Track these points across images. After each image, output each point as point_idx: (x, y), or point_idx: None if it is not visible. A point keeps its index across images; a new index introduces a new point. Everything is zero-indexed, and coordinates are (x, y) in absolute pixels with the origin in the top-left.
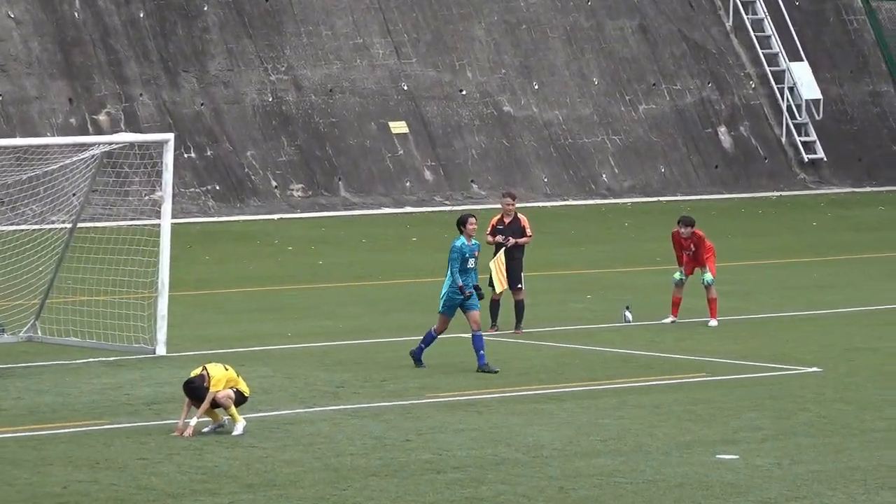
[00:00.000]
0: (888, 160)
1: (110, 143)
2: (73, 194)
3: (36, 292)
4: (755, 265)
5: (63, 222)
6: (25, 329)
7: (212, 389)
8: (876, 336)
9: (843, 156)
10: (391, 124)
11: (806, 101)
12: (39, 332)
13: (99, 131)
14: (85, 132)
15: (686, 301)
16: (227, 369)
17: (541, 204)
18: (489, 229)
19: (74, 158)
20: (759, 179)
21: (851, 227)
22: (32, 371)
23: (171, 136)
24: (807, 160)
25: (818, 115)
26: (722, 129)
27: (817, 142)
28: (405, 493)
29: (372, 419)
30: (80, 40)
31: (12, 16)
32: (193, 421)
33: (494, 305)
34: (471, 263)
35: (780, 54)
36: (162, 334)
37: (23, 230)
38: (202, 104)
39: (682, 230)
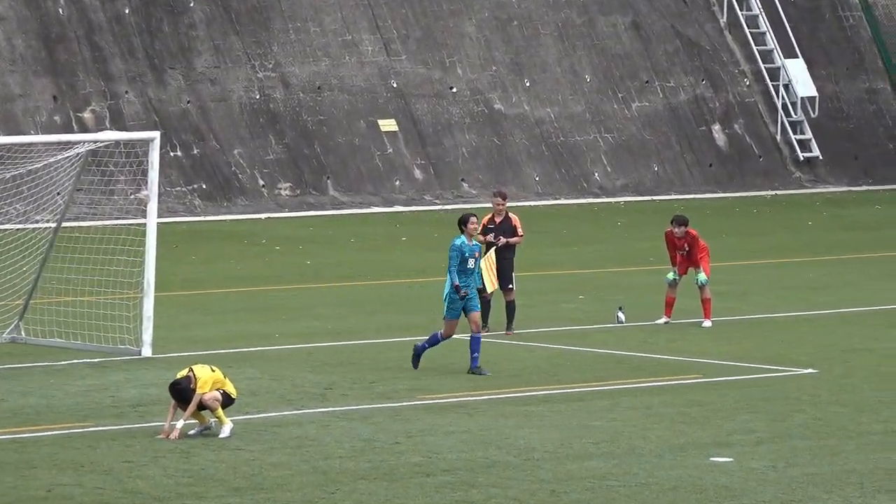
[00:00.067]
0: (884, 158)
1: (95, 142)
2: (58, 193)
3: (20, 293)
4: (750, 265)
5: (47, 222)
6: (9, 330)
7: (198, 391)
8: (872, 337)
9: (839, 154)
10: (380, 122)
11: (801, 98)
12: (23, 333)
13: (84, 129)
14: (69, 130)
15: (680, 301)
16: (213, 371)
17: (532, 203)
18: (480, 228)
19: (59, 157)
20: (754, 178)
21: (847, 226)
22: (16, 373)
23: (156, 134)
24: (802, 158)
25: (814, 113)
26: (716, 127)
27: (813, 140)
28: (394, 497)
29: (361, 421)
30: (64, 37)
31: None
32: (180, 423)
33: (485, 305)
34: (471, 264)
35: (774, 51)
36: (148, 335)
37: (6, 230)
38: (188, 102)
39: (676, 230)
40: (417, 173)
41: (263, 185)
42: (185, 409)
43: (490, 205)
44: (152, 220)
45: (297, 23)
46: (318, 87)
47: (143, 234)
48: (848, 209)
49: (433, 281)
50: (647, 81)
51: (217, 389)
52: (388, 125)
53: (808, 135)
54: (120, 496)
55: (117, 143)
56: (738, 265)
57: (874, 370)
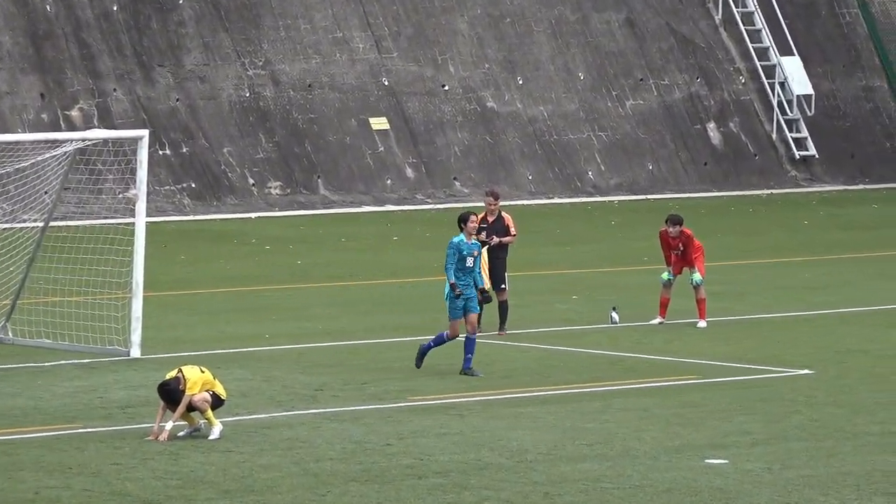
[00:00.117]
0: (881, 157)
1: (83, 140)
2: (45, 192)
3: (7, 293)
4: (745, 265)
5: (35, 221)
6: None
7: (188, 392)
8: (869, 338)
9: (836, 152)
10: (372, 120)
11: (797, 96)
12: (10, 333)
13: (71, 127)
14: (57, 128)
15: (674, 302)
16: (203, 372)
17: (525, 202)
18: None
19: (46, 155)
20: (750, 177)
21: (844, 225)
22: (3, 373)
23: (145, 132)
24: (798, 157)
25: (810, 111)
26: (711, 126)
27: (809, 138)
28: (386, 499)
29: (352, 423)
30: (51, 34)
31: None
32: (169, 425)
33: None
34: (469, 262)
35: (770, 48)
36: (136, 336)
37: None
38: (177, 100)
39: (671, 229)
40: (409, 172)
41: (253, 184)
42: (174, 411)
43: (482, 204)
44: (141, 220)
45: (287, 20)
46: (309, 85)
47: (132, 233)
48: (844, 208)
49: (425, 281)
50: (641, 79)
51: (206, 391)
52: (379, 123)
53: (804, 133)
54: (108, 499)
55: (105, 141)
56: (733, 265)
57: (871, 371)
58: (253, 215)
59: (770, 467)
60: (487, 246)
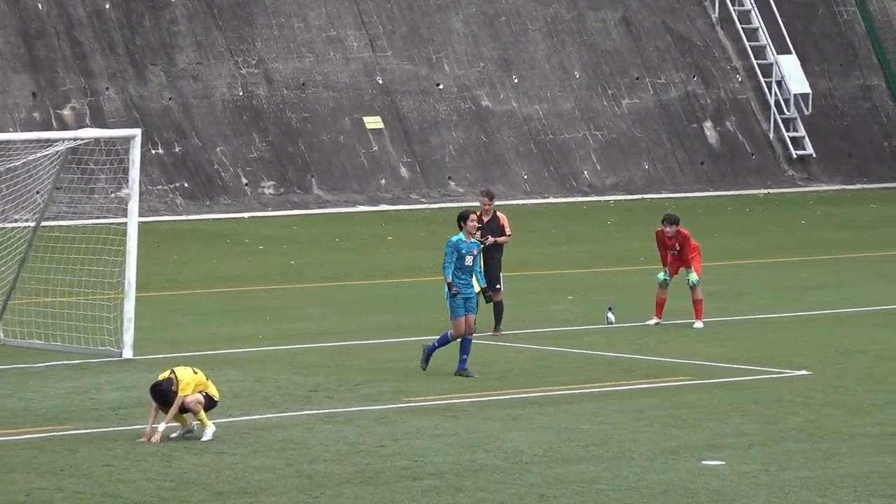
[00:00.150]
0: (879, 156)
1: (75, 139)
2: (37, 192)
3: None
4: (742, 265)
5: (26, 221)
6: None
7: (180, 393)
8: (867, 338)
9: (833, 152)
10: (366, 119)
11: (794, 95)
12: (1, 334)
13: (63, 126)
14: (49, 127)
15: (671, 302)
16: (196, 373)
17: (520, 202)
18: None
19: (38, 154)
20: (746, 176)
21: (841, 225)
22: None
23: (138, 131)
24: (795, 156)
25: (807, 110)
26: (707, 125)
27: (806, 137)
28: (380, 501)
29: (346, 424)
30: (43, 32)
31: None
32: (161, 426)
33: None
34: (468, 261)
35: (767, 47)
36: (129, 337)
37: None
38: (170, 98)
39: (667, 229)
40: (403, 171)
41: (246, 184)
42: (166, 412)
43: (477, 204)
44: (133, 220)
45: (280, 18)
46: (303, 84)
47: (124, 233)
48: (842, 208)
49: (420, 281)
50: (637, 78)
51: (199, 392)
52: (373, 122)
53: (802, 132)
54: (100, 500)
55: (98, 140)
56: (730, 265)
57: (868, 372)
58: (246, 215)
59: (767, 469)
60: (483, 246)
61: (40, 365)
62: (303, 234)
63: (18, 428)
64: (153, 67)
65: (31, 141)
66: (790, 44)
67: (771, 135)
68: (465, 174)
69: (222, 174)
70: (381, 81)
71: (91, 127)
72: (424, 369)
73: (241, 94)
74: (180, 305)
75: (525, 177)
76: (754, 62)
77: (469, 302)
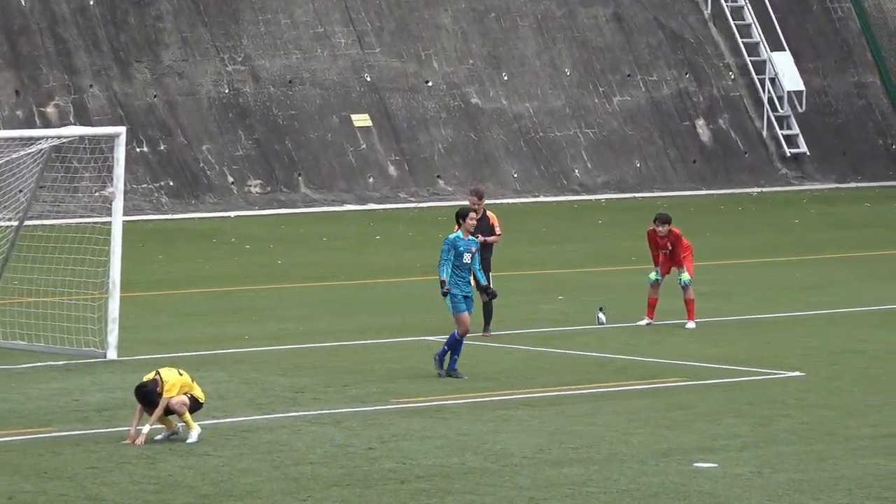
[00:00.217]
0: (874, 154)
1: (59, 137)
2: (20, 190)
3: None
4: (735, 264)
5: (9, 220)
6: None
7: (165, 395)
8: (861, 338)
9: (827, 150)
10: (353, 117)
11: (788, 92)
12: None
13: (47, 124)
14: (32, 125)
15: (662, 302)
16: (181, 374)
17: (510, 200)
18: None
19: (21, 153)
20: (739, 175)
21: (835, 224)
22: None
23: (122, 129)
24: (789, 154)
25: (801, 108)
26: (700, 122)
27: (800, 135)
28: None
29: (333, 426)
30: (26, 29)
31: None
32: (146, 428)
33: None
34: (466, 259)
35: (760, 44)
36: (113, 337)
37: None
38: (155, 96)
39: (659, 228)
40: (392, 170)
41: (233, 182)
42: (151, 414)
43: (467, 202)
44: (118, 219)
45: (267, 14)
46: (290, 81)
47: (109, 232)
48: (836, 207)
49: (408, 281)
50: (628, 75)
51: (185, 393)
52: (361, 120)
53: (795, 130)
54: (84, 503)
55: (82, 138)
56: (722, 264)
57: (863, 373)
58: (232, 214)
59: (760, 471)
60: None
61: (23, 366)
62: (290, 234)
63: (1, 430)
64: (138, 64)
65: (13, 139)
66: (784, 40)
67: (764, 132)
68: (455, 173)
69: (208, 172)
70: (369, 79)
71: (75, 125)
72: (441, 375)
73: (227, 91)
74: (165, 305)
75: (515, 175)
76: (747, 59)
77: (468, 300)
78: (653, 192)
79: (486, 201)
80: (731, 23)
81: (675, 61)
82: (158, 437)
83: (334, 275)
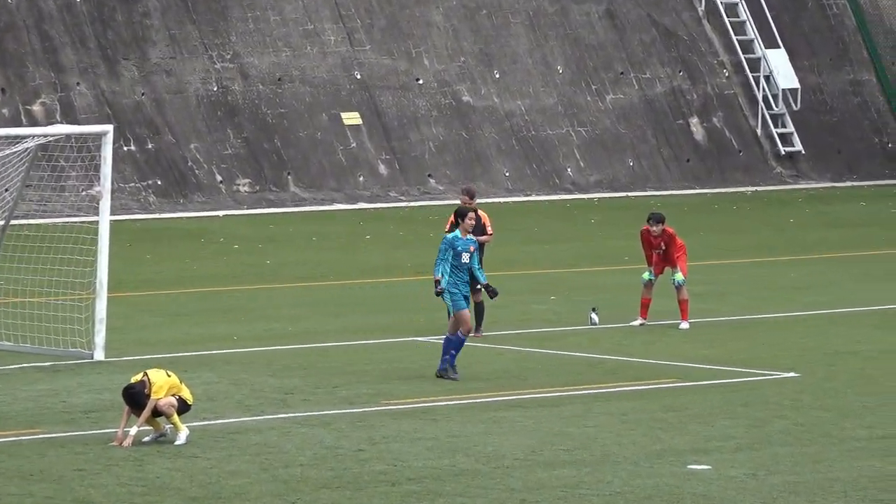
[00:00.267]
0: (869, 153)
1: (45, 135)
2: (6, 189)
3: None
4: (729, 264)
5: None
6: None
7: (153, 396)
8: (857, 339)
9: (822, 148)
10: (343, 115)
11: (783, 90)
12: None
13: (33, 122)
14: (18, 123)
15: (656, 302)
16: (169, 375)
17: (502, 199)
18: (447, 226)
19: (7, 151)
20: (734, 173)
21: (831, 223)
22: None
23: (109, 127)
24: (784, 153)
25: (795, 106)
26: (694, 121)
27: (795, 133)
28: None
29: (323, 428)
30: (12, 26)
31: None
32: (133, 430)
33: None
34: (465, 258)
35: (755, 41)
36: (100, 338)
37: None
38: (143, 94)
39: (653, 228)
40: (382, 169)
41: (221, 181)
42: (139, 416)
43: (458, 202)
44: (105, 218)
45: (256, 11)
46: (279, 79)
47: (96, 232)
48: (831, 206)
49: (399, 281)
50: (621, 73)
51: (173, 395)
52: (351, 118)
53: (790, 128)
54: None
55: (68, 136)
56: (716, 264)
57: (859, 373)
58: (221, 213)
59: (754, 473)
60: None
61: (10, 367)
62: (279, 233)
63: None
64: (125, 62)
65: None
66: (778, 37)
67: (759, 131)
68: (446, 171)
69: (196, 171)
70: (359, 76)
71: (62, 123)
72: (457, 378)
73: (215, 89)
74: (153, 306)
75: (507, 174)
76: (742, 56)
77: (465, 300)
78: (646, 191)
79: (478, 200)
80: (726, 20)
81: (668, 59)
82: (146, 438)
83: (324, 275)
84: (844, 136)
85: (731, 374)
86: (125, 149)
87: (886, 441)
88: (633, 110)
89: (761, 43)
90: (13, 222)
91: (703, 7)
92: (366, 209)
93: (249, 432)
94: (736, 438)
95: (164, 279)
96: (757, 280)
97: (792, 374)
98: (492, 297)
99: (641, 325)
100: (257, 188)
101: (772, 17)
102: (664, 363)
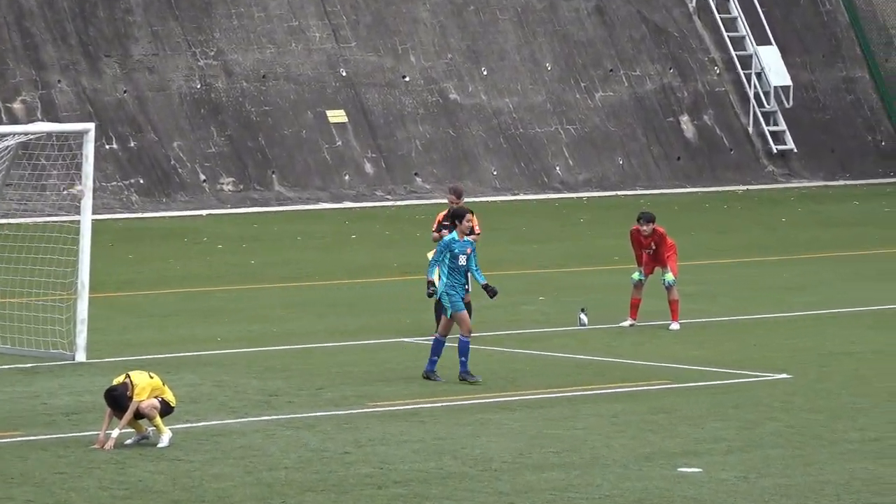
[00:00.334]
0: (863, 151)
1: (26, 133)
2: None
3: None
4: (720, 264)
5: None
6: None
7: (135, 398)
8: (850, 340)
9: (815, 147)
10: (329, 113)
11: (774, 87)
12: None
13: (14, 120)
14: None
15: (646, 303)
16: (151, 377)
17: (490, 198)
18: (434, 225)
19: None
20: (725, 172)
21: (823, 222)
22: None
23: (91, 125)
24: (775, 151)
25: (788, 103)
26: (684, 118)
27: (787, 132)
28: None
29: (307, 430)
30: None
31: None
32: (115, 432)
33: (438, 306)
34: (462, 261)
35: (746, 38)
36: (82, 339)
37: None
38: (125, 91)
39: (643, 227)
40: (368, 167)
41: (204, 180)
42: (121, 418)
43: (445, 201)
44: (87, 217)
45: (240, 8)
46: (263, 76)
47: (77, 231)
48: (824, 205)
49: (385, 281)
50: (611, 70)
51: (155, 397)
52: (336, 116)
53: (782, 126)
54: None
55: (49, 135)
56: (707, 264)
57: (851, 375)
58: (204, 212)
59: (746, 476)
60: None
61: None
62: (263, 233)
63: None
64: (107, 59)
65: None
66: (770, 34)
67: (750, 129)
68: (433, 170)
69: (179, 170)
70: (344, 73)
71: (42, 121)
72: (480, 381)
73: (198, 86)
74: (135, 307)
75: (495, 173)
76: (733, 53)
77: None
78: (636, 190)
79: (465, 200)
80: (717, 16)
81: (658, 56)
82: (128, 441)
83: (309, 275)
84: (837, 134)
85: (722, 376)
86: (107, 147)
87: (879, 443)
88: (622, 108)
89: (753, 39)
90: None
91: (693, 3)
92: (351, 208)
93: (233, 435)
94: (727, 441)
95: (147, 279)
96: (748, 280)
97: (784, 376)
98: (491, 297)
99: (631, 325)
100: (241, 187)
101: (763, 14)
102: (654, 364)
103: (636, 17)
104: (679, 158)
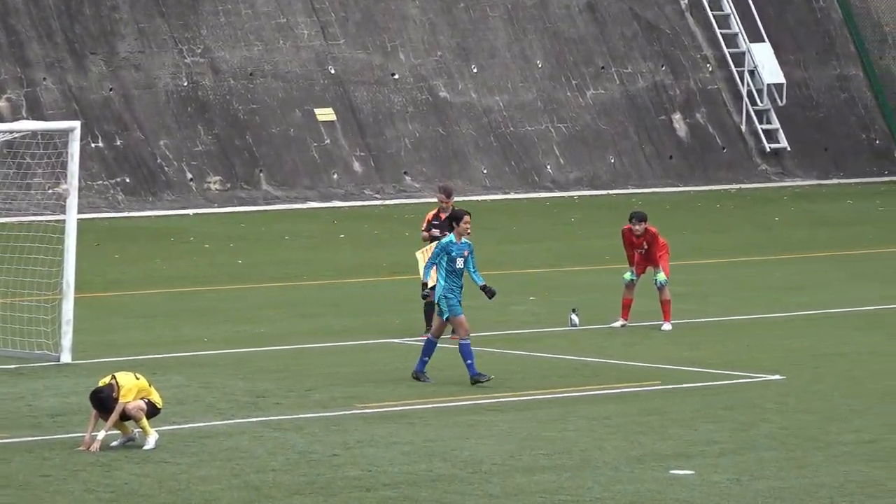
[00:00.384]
0: (856, 150)
1: (11, 132)
2: None
3: None
4: (712, 264)
5: None
6: None
7: (121, 400)
8: (843, 341)
9: (808, 145)
10: (317, 111)
11: (767, 85)
12: None
13: None
14: None
15: (638, 303)
16: (138, 378)
17: (480, 197)
18: (424, 224)
19: None
20: (717, 171)
21: (817, 222)
22: None
23: (77, 123)
24: (769, 150)
25: (781, 101)
26: (676, 117)
27: (780, 130)
28: None
29: (295, 432)
30: None
31: None
32: (101, 434)
33: (428, 307)
34: (459, 263)
35: (739, 35)
36: (67, 340)
37: None
38: (111, 89)
39: (635, 227)
40: (357, 166)
41: (191, 179)
42: (106, 420)
43: (434, 200)
44: (72, 217)
45: (227, 4)
46: (251, 74)
47: (63, 231)
48: (817, 204)
49: (374, 281)
50: (602, 67)
51: (141, 398)
52: (325, 114)
53: (775, 124)
54: None
55: (35, 133)
56: (700, 264)
57: (845, 376)
58: (191, 212)
59: (738, 479)
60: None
61: None
62: (251, 232)
63: None
64: (93, 56)
65: None
66: (763, 31)
67: (743, 127)
68: (422, 169)
69: (166, 169)
70: (333, 71)
71: (27, 119)
72: (484, 379)
73: (185, 84)
74: (122, 307)
75: (485, 171)
76: (726, 51)
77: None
78: (627, 188)
79: (455, 199)
80: (709, 13)
81: (650, 53)
82: (114, 443)
83: (297, 275)
84: (831, 132)
85: (714, 377)
86: (93, 145)
87: (873, 445)
88: (614, 106)
89: (746, 37)
90: None
91: (685, 0)
92: (340, 207)
93: (220, 437)
94: (719, 443)
95: (133, 279)
96: (741, 280)
97: (777, 377)
98: (490, 298)
99: (623, 326)
100: (228, 186)
101: (756, 11)
102: (646, 365)
103: (628, 14)
104: (671, 157)
